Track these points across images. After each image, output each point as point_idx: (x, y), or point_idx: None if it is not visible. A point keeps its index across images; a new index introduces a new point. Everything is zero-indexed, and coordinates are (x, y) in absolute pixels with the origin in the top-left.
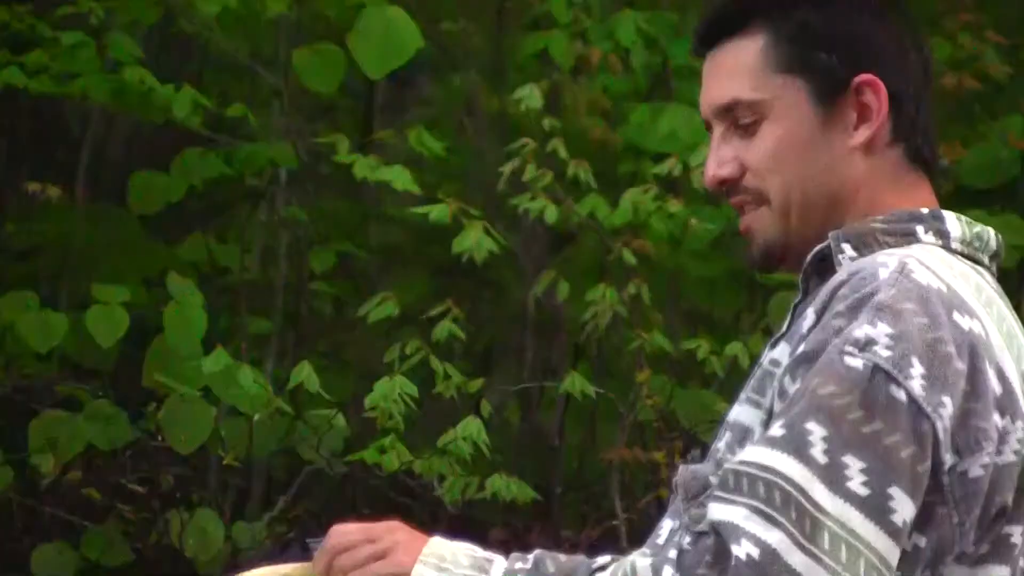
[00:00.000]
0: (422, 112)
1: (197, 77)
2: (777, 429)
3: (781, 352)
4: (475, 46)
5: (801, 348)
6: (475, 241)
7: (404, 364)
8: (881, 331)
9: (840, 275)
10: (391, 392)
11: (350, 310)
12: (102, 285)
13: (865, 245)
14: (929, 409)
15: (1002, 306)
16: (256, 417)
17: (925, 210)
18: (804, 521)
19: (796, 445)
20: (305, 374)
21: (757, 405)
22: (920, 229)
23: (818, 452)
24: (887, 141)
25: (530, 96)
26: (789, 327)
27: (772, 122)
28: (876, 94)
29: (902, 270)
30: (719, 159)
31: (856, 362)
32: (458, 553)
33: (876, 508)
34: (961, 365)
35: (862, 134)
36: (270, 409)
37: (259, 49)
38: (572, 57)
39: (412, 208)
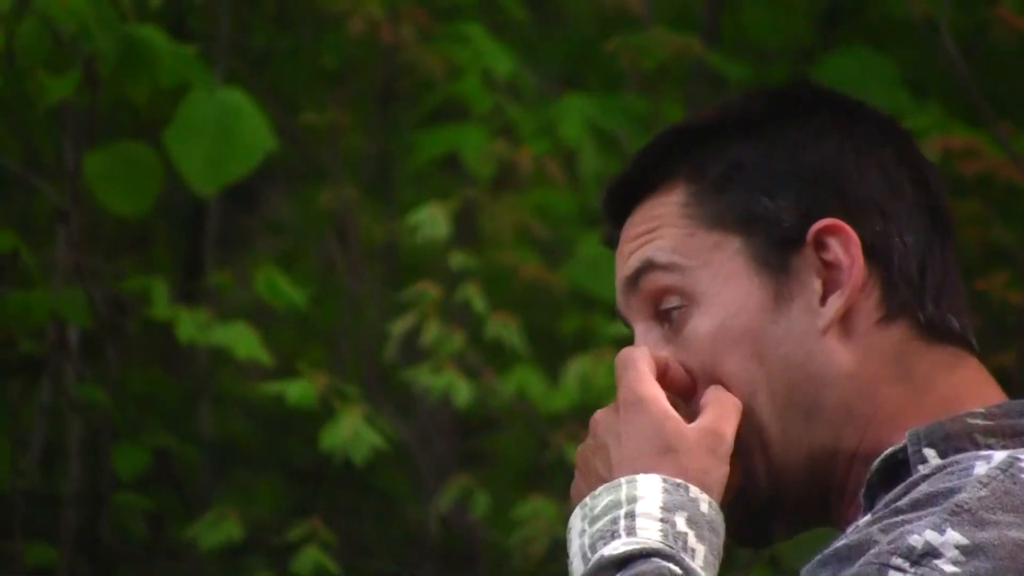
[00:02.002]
0: (274, 243)
1: None
2: None
3: None
4: (350, 147)
5: (835, 544)
6: (352, 433)
7: None
8: (949, 540)
9: (925, 469)
10: None
11: (172, 531)
12: None
13: (957, 451)
14: None
15: None
16: None
17: None
18: None
19: None
20: None
21: None
22: None
23: None
24: (877, 316)
25: (431, 220)
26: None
27: (703, 308)
28: (843, 244)
29: (1009, 466)
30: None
31: None
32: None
33: None
34: None
35: (832, 306)
36: None
37: (35, 151)
38: (492, 162)
39: (261, 385)
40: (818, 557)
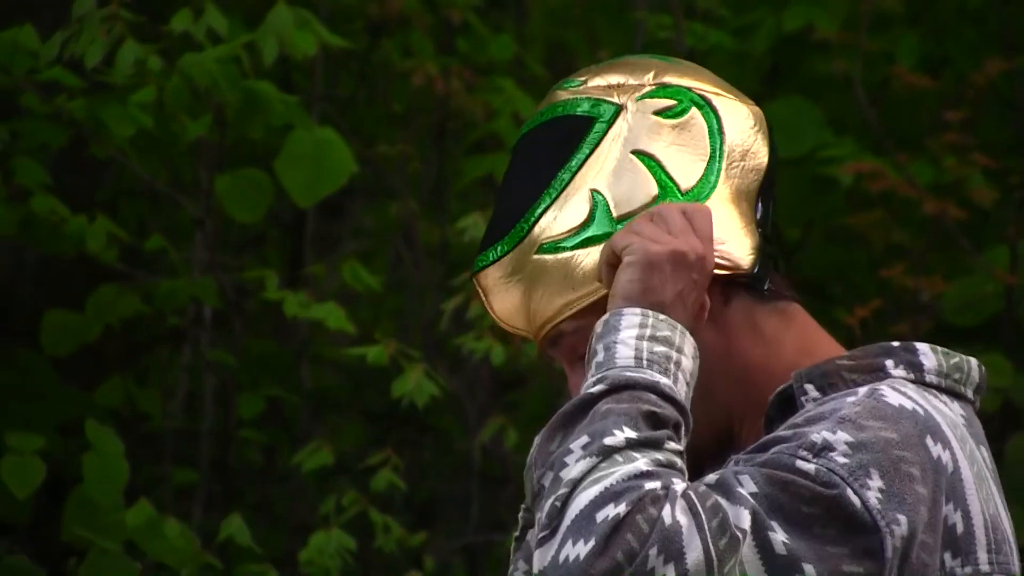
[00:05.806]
0: (356, 244)
1: (111, 206)
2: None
3: None
4: (413, 171)
5: (748, 448)
6: (415, 385)
7: (341, 517)
8: (840, 438)
9: (807, 402)
10: (327, 546)
11: (281, 459)
12: (15, 433)
13: (830, 385)
14: (883, 523)
15: (975, 447)
16: (183, 572)
17: (896, 343)
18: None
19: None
20: (235, 527)
21: None
22: (890, 363)
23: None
24: (721, 301)
25: (474, 225)
26: None
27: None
28: None
29: (872, 393)
30: None
31: (808, 467)
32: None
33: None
34: (923, 491)
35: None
36: (198, 564)
37: (179, 175)
38: None
39: (346, 349)
40: (735, 458)
